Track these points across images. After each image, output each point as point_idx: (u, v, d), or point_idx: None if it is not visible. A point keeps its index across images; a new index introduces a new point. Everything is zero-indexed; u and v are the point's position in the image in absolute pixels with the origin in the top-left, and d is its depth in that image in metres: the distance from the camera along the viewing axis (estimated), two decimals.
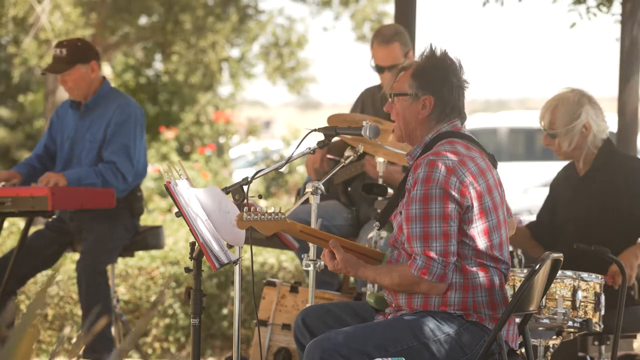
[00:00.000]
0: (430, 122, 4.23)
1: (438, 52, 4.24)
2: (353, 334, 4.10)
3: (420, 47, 4.32)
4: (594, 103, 5.31)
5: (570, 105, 5.27)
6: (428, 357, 4.07)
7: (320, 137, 4.84)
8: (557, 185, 5.57)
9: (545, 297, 4.61)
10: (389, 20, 15.26)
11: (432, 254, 4.05)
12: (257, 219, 4.24)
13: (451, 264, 4.07)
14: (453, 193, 4.05)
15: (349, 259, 4.24)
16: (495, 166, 4.28)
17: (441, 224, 4.05)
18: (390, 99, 4.29)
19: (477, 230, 4.10)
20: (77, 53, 6.33)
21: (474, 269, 4.12)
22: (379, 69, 6.08)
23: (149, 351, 7.89)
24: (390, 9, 16.55)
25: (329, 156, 6.19)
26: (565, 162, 5.61)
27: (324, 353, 4.03)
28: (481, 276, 4.12)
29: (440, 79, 4.20)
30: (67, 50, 6.32)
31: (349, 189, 6.22)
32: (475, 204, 4.09)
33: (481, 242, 4.11)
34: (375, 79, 6.34)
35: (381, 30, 6.19)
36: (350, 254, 4.25)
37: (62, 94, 14.52)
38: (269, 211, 4.25)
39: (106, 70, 15.14)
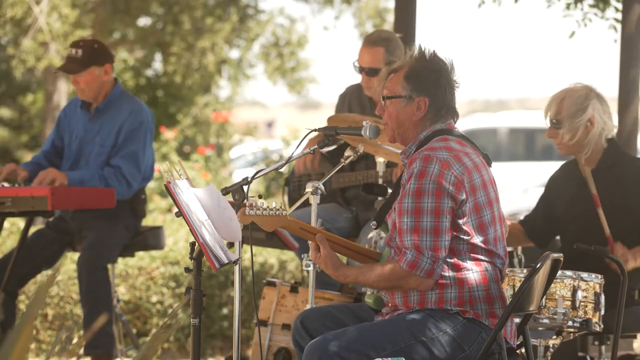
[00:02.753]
0: (424, 123, 4.25)
1: (427, 53, 4.25)
2: (351, 335, 4.10)
3: (415, 46, 4.31)
4: (602, 100, 5.30)
5: (578, 97, 5.26)
6: (426, 356, 4.08)
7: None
8: (555, 184, 5.55)
9: (545, 297, 4.61)
10: (392, 16, 15.24)
11: (422, 249, 4.05)
12: (259, 214, 4.27)
13: (440, 260, 4.07)
14: (448, 187, 4.05)
15: (332, 256, 4.25)
16: (489, 165, 4.29)
17: (432, 219, 4.05)
18: (382, 102, 4.29)
19: (472, 225, 4.11)
20: (92, 55, 6.31)
21: (468, 263, 4.12)
22: (359, 69, 6.08)
23: None
24: (392, 5, 16.55)
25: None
26: (562, 161, 5.60)
27: (322, 355, 4.04)
28: (475, 271, 4.13)
29: (434, 80, 4.22)
30: (82, 51, 6.30)
31: (346, 192, 6.21)
32: (470, 199, 4.10)
33: (476, 237, 4.12)
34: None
35: (374, 32, 6.25)
36: (335, 254, 4.26)
37: (63, 95, 14.54)
38: (270, 207, 4.28)
39: None
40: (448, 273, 4.12)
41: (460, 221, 4.10)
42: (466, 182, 4.10)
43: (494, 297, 4.16)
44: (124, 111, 6.35)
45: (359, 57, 6.08)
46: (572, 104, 5.26)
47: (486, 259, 4.16)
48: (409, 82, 4.23)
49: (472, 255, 4.13)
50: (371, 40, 6.06)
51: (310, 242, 4.36)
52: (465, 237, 4.11)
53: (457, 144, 4.18)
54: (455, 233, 4.10)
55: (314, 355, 4.06)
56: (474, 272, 4.13)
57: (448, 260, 4.11)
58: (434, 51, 4.27)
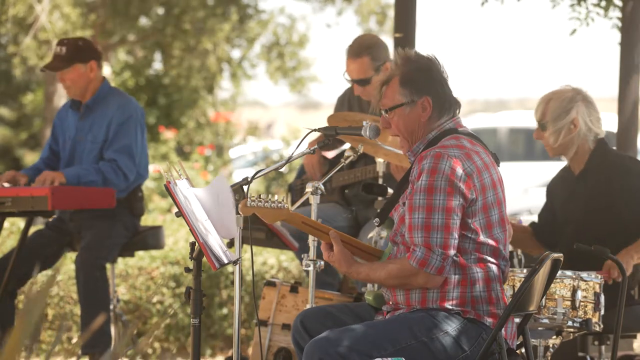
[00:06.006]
0: (432, 122, 4.26)
1: (412, 55, 4.27)
2: (352, 334, 4.10)
3: (422, 49, 4.35)
4: (589, 103, 5.33)
5: (563, 100, 5.31)
6: (427, 355, 4.08)
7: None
8: (553, 187, 5.59)
9: (545, 297, 4.61)
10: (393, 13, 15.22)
11: (432, 246, 4.05)
12: (261, 206, 4.27)
13: (450, 257, 4.07)
14: (459, 184, 4.06)
15: (346, 253, 4.25)
16: (498, 164, 4.30)
17: (444, 216, 4.05)
18: (385, 115, 4.29)
19: (480, 224, 4.11)
20: (76, 52, 6.34)
21: (473, 264, 4.12)
22: (349, 81, 6.07)
23: (149, 351, 7.89)
24: (393, 1, 16.53)
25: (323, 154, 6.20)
26: (562, 161, 5.62)
27: (322, 353, 4.04)
28: (479, 271, 4.13)
29: (429, 78, 4.24)
30: (66, 48, 6.34)
31: (346, 191, 6.22)
32: (480, 197, 4.10)
33: (483, 236, 4.12)
34: None
35: (354, 42, 6.10)
36: (347, 250, 4.26)
37: (63, 94, 14.54)
38: (272, 199, 4.29)
39: (106, 70, 15.13)
40: (452, 272, 4.12)
41: (469, 220, 4.10)
42: (476, 180, 4.11)
43: (496, 298, 4.16)
44: (112, 106, 6.38)
45: (346, 69, 6.06)
46: (557, 107, 5.31)
47: (492, 260, 4.16)
48: (406, 87, 4.23)
49: (478, 255, 4.14)
50: (354, 52, 6.00)
51: (323, 242, 4.34)
52: (472, 236, 4.11)
53: (467, 142, 4.19)
54: (463, 232, 4.10)
55: (315, 353, 4.06)
56: (478, 272, 4.13)
57: (454, 258, 4.11)
58: (415, 51, 4.29)
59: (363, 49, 5.99)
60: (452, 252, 4.08)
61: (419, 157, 4.16)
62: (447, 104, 4.26)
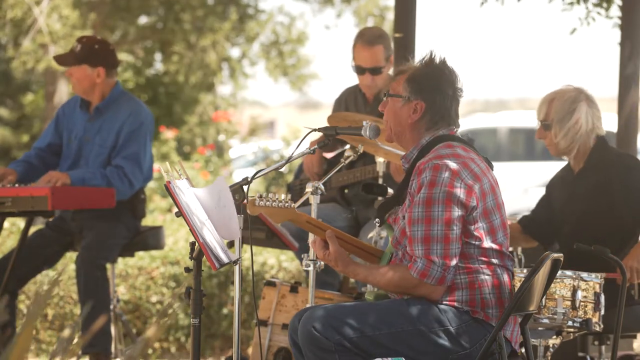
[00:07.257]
0: (419, 128, 4.28)
1: (437, 60, 4.29)
2: (351, 308, 4.15)
3: (422, 49, 4.37)
4: (592, 102, 5.34)
5: (566, 100, 5.31)
6: (422, 344, 4.10)
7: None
8: (553, 185, 5.59)
9: (545, 297, 4.61)
10: (392, 14, 15.25)
11: (433, 257, 4.07)
12: (268, 205, 4.29)
13: (451, 267, 4.08)
14: (458, 195, 4.07)
15: (342, 253, 4.26)
16: (491, 168, 4.31)
17: (443, 227, 4.07)
18: (384, 98, 4.33)
19: (483, 230, 4.13)
20: (89, 53, 6.31)
21: (480, 266, 4.13)
22: (360, 70, 6.09)
23: (149, 351, 7.89)
24: (392, 3, 16.57)
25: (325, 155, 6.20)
26: (562, 161, 5.62)
27: (317, 321, 4.09)
28: (487, 273, 4.14)
29: (433, 87, 4.26)
30: (81, 47, 6.31)
31: (346, 191, 6.22)
32: (480, 204, 4.12)
33: (487, 241, 4.13)
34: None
35: (365, 32, 6.20)
36: (344, 250, 4.27)
37: (63, 95, 14.54)
38: (279, 199, 4.30)
39: None
40: (459, 276, 4.13)
41: (472, 227, 4.11)
42: (477, 188, 4.12)
43: (505, 300, 4.17)
44: (124, 112, 6.35)
45: (357, 57, 6.08)
46: (561, 107, 5.31)
47: (498, 262, 4.17)
48: (409, 84, 4.28)
49: (483, 258, 4.14)
50: (369, 40, 6.07)
51: (314, 239, 4.35)
52: (476, 243, 4.12)
53: (462, 150, 4.21)
54: (466, 239, 4.11)
55: (310, 321, 4.11)
56: (485, 275, 4.14)
57: (459, 265, 4.12)
58: (444, 59, 4.31)
59: (377, 37, 6.07)
60: (453, 261, 4.09)
61: (418, 170, 4.16)
62: (439, 116, 4.26)
